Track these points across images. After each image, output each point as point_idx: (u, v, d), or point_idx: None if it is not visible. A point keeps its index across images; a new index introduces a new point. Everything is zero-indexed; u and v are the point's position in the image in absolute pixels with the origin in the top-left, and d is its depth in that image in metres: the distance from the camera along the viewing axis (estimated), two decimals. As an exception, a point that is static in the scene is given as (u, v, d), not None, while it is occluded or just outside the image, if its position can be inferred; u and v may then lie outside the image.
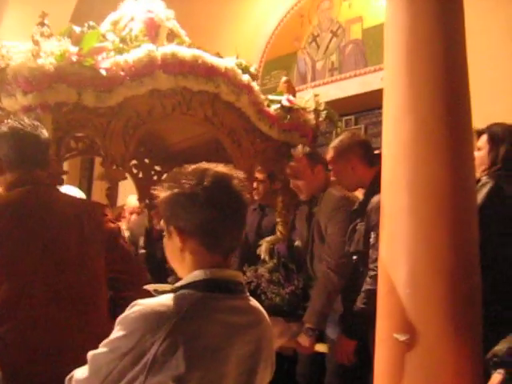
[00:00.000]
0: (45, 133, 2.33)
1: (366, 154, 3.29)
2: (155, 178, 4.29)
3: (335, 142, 3.38)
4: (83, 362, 1.55)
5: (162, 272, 3.94)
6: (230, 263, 1.62)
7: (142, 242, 4.59)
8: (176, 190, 1.54)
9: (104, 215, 2.39)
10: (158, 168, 4.34)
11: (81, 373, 1.57)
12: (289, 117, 3.51)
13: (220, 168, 1.59)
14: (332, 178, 3.44)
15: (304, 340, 3.18)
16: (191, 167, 1.59)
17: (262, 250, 3.56)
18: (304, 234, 3.57)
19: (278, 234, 3.67)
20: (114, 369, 1.47)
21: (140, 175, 4.29)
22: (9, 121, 2.32)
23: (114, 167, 2.90)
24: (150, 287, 1.63)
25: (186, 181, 1.54)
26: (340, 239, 3.27)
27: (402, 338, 2.12)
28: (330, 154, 3.38)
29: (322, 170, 3.52)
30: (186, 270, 1.59)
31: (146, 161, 4.30)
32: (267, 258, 3.52)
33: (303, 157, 3.50)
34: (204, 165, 1.60)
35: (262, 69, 6.34)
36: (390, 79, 2.38)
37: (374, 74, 5.46)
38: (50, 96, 2.68)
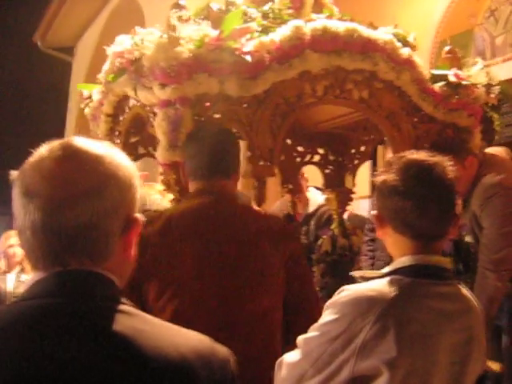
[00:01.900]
0: (234, 138, 2.28)
1: None
2: (298, 160, 3.92)
3: None
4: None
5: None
6: (437, 249, 1.60)
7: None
8: (379, 178, 1.62)
9: (286, 233, 2.17)
10: (300, 149, 3.95)
11: (291, 356, 1.60)
12: (457, 95, 2.98)
13: (422, 156, 1.62)
14: None
15: None
16: (398, 155, 1.65)
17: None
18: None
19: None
20: (324, 352, 1.49)
21: (282, 158, 3.93)
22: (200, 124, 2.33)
23: (262, 163, 2.55)
24: (356, 273, 1.77)
25: (386, 169, 1.61)
26: (496, 231, 2.85)
27: None
28: None
29: (473, 161, 3.03)
30: (394, 255, 1.64)
31: (288, 142, 3.93)
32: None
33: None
34: (407, 153, 1.65)
35: (436, 49, 5.81)
36: None
37: None
38: (190, 88, 2.36)
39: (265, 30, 2.54)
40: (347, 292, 1.53)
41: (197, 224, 2.07)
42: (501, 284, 2.82)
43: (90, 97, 3.20)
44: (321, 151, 3.96)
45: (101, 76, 3.00)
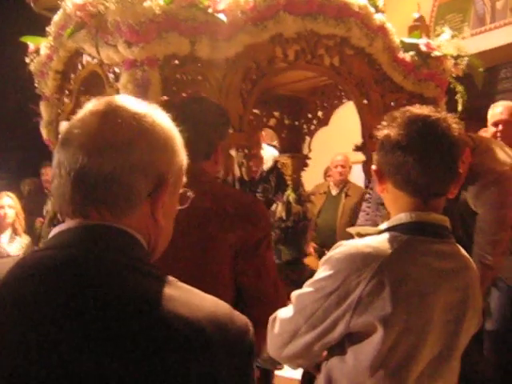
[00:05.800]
0: (216, 119, 2.12)
1: None
2: (254, 123, 3.78)
3: None
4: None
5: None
6: (437, 208, 1.57)
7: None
8: (381, 132, 1.57)
9: (244, 218, 1.96)
10: (255, 111, 3.80)
11: (285, 312, 1.59)
12: (426, 66, 2.90)
13: (426, 111, 1.56)
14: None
15: None
16: (403, 109, 1.58)
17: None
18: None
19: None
20: (318, 308, 1.48)
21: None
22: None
23: (231, 130, 2.40)
24: (352, 230, 1.74)
25: (390, 123, 1.55)
26: (494, 214, 2.95)
27: None
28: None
29: (468, 152, 3.06)
30: (392, 212, 1.60)
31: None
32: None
33: None
34: (408, 108, 1.58)
35: (435, 13, 5.65)
36: None
37: None
38: (160, 48, 2.18)
39: (238, -13, 2.36)
40: (343, 248, 1.51)
41: None
42: (495, 268, 2.94)
43: (36, 51, 2.95)
44: (276, 115, 3.83)
45: (50, 28, 2.76)
